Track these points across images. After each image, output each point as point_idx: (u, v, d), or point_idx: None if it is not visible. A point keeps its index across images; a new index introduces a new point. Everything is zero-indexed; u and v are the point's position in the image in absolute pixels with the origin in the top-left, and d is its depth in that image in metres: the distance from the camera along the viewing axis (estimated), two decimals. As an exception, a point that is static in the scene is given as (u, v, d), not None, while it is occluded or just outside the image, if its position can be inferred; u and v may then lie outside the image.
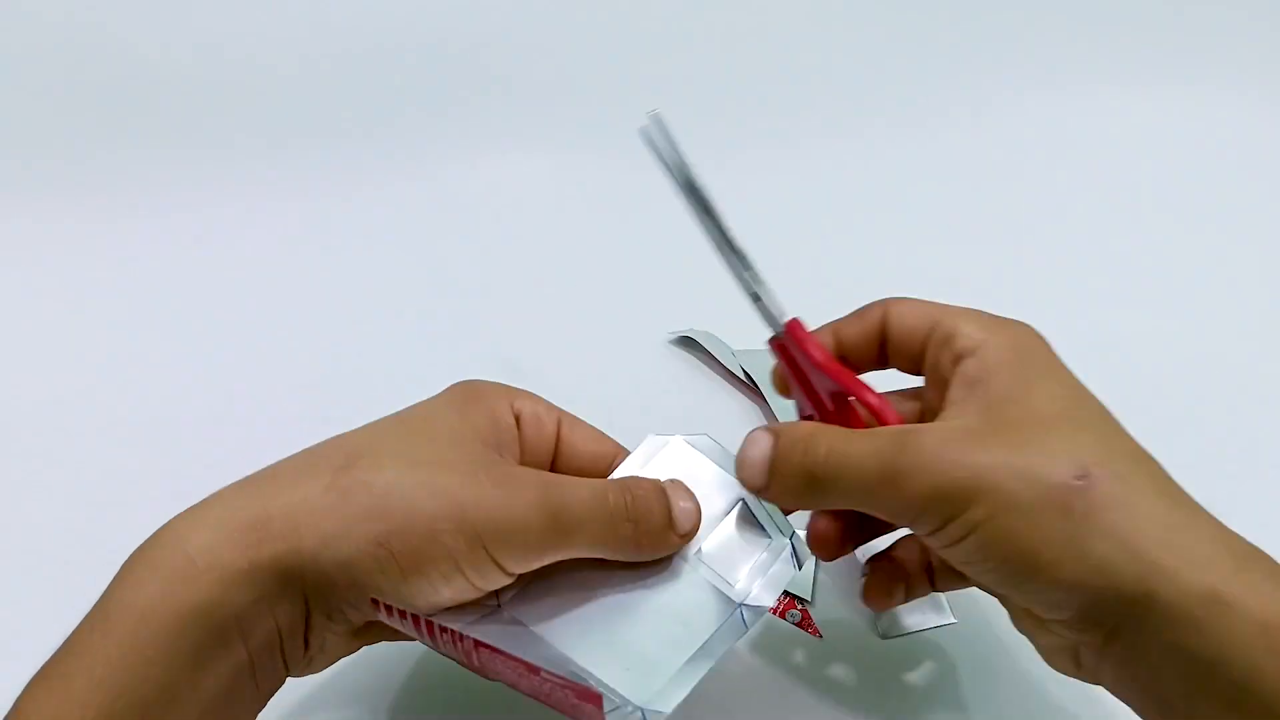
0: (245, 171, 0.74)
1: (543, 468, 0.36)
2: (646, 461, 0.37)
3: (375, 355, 0.60)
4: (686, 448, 0.38)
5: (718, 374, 0.59)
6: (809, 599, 0.45)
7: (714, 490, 0.37)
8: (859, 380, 0.35)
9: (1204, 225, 0.71)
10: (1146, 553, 0.29)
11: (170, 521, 0.32)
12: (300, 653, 0.33)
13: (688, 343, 0.60)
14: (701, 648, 0.34)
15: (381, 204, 0.73)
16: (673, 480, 0.36)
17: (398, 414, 0.35)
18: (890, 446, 0.31)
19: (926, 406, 0.36)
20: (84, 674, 0.29)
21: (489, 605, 0.33)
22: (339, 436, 0.34)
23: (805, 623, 0.44)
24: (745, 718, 0.41)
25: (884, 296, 0.37)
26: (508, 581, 0.33)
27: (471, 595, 0.32)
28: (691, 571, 0.35)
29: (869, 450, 0.31)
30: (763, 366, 0.57)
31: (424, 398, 0.36)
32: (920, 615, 0.42)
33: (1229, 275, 0.66)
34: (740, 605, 0.35)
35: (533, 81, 0.78)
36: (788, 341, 0.36)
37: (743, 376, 0.57)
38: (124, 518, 0.51)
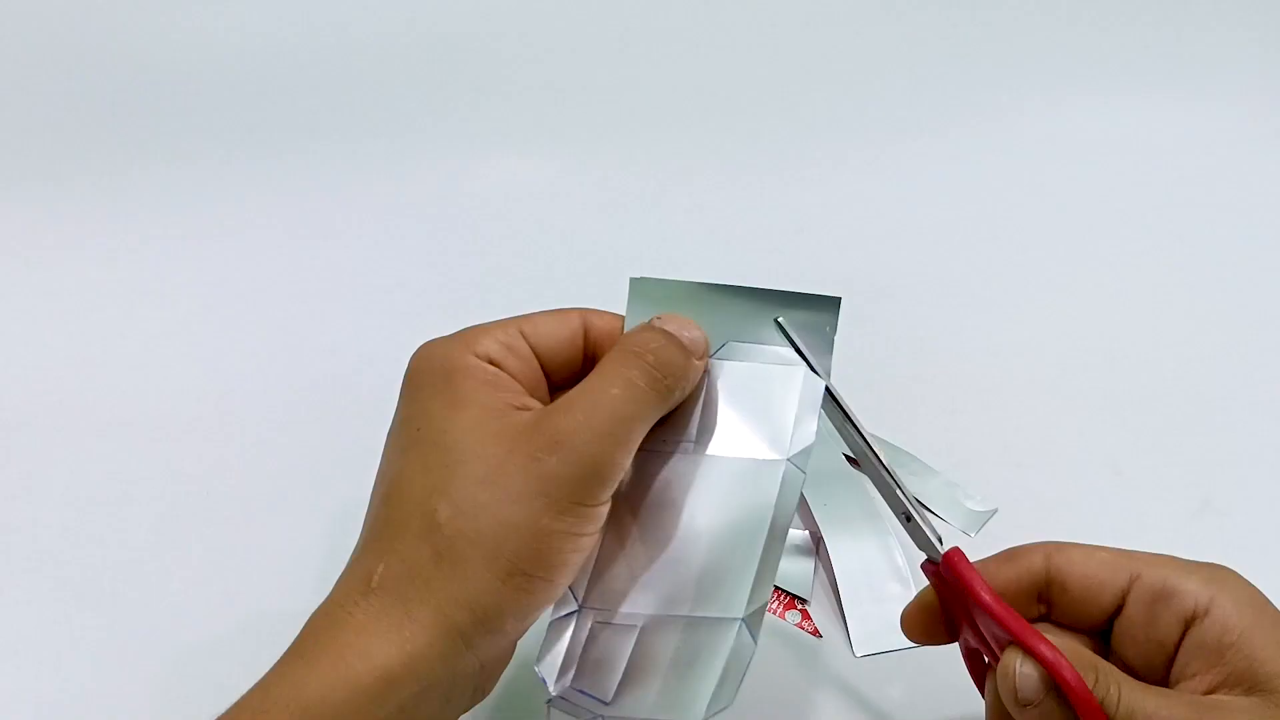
0: (244, 171, 0.74)
1: (539, 385, 0.36)
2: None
3: (374, 354, 0.60)
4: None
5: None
6: (809, 599, 0.45)
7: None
8: (1029, 626, 0.32)
9: (1201, 232, 0.71)
10: None
11: (315, 623, 0.32)
12: (468, 698, 0.34)
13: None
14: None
15: (380, 204, 0.73)
16: (659, 316, 0.36)
17: (409, 437, 0.34)
18: (1194, 714, 0.30)
19: (1118, 662, 0.34)
20: None
21: None
22: (390, 490, 0.33)
23: (805, 622, 0.45)
24: (745, 717, 0.41)
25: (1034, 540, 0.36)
26: (608, 509, 0.33)
27: (597, 538, 0.33)
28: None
29: (1166, 712, 0.30)
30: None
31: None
32: (896, 635, 0.42)
33: (1228, 282, 0.66)
34: (786, 460, 0.35)
35: (532, 82, 0.78)
36: (945, 572, 0.34)
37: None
38: (124, 518, 0.51)
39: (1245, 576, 0.32)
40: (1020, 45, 0.82)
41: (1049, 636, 0.32)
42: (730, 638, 0.33)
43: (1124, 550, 0.35)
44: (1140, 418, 0.55)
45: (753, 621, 0.33)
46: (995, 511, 0.49)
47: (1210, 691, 0.32)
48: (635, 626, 0.34)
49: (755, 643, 0.33)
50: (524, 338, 0.36)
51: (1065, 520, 0.48)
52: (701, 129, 0.79)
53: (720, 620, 0.33)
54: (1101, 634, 0.35)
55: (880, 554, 0.46)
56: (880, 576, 0.46)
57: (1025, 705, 0.31)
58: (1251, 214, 0.72)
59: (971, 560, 0.35)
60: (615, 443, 0.32)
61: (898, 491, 0.35)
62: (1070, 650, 0.31)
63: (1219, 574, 0.33)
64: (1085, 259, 0.68)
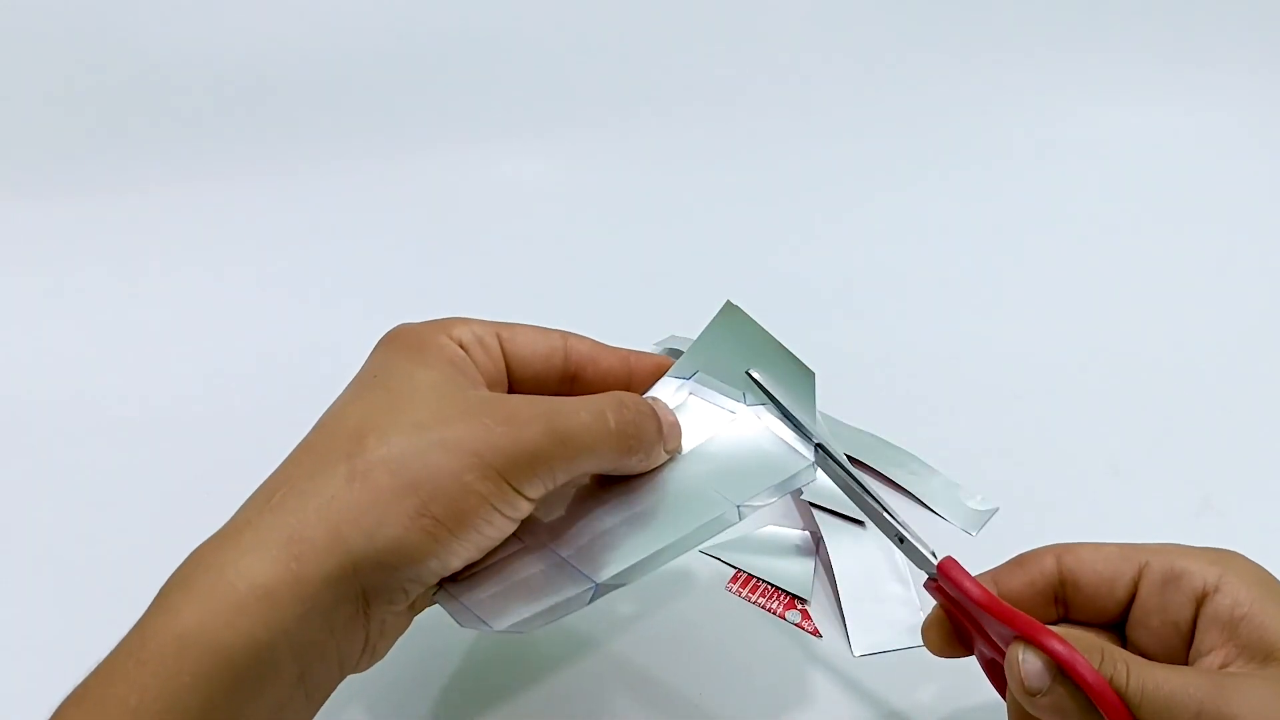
0: (244, 171, 0.74)
1: (500, 384, 0.37)
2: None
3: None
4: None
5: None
6: (809, 599, 0.45)
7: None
8: (1035, 622, 0.32)
9: (1201, 232, 0.71)
10: None
11: (202, 547, 0.32)
12: (358, 649, 0.33)
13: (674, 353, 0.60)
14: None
15: (381, 203, 0.73)
16: (657, 399, 0.38)
17: (362, 383, 0.35)
18: (1211, 687, 0.30)
19: (1137, 652, 0.35)
20: (117, 702, 0.28)
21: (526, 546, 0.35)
22: (328, 420, 0.34)
23: (805, 622, 0.45)
24: (745, 717, 0.41)
25: (1044, 545, 0.36)
26: (531, 509, 0.34)
27: (510, 529, 0.34)
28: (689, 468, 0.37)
29: (1184, 687, 0.30)
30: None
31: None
32: (895, 635, 0.42)
33: (1228, 281, 0.66)
34: (739, 506, 0.36)
35: (531, 82, 0.78)
36: (943, 583, 0.34)
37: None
38: (124, 518, 0.51)
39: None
40: (1020, 45, 0.82)
41: (1065, 633, 0.32)
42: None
43: (1130, 544, 0.35)
44: (1140, 418, 0.55)
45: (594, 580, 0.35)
46: (996, 510, 0.49)
47: (1225, 666, 0.32)
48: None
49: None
50: (499, 339, 0.37)
51: (1065, 520, 0.48)
52: (701, 129, 0.79)
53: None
54: (1118, 628, 0.35)
55: (880, 554, 0.46)
56: (880, 576, 0.46)
57: (1035, 694, 0.31)
58: (1251, 214, 0.72)
59: (982, 569, 0.36)
60: (560, 452, 0.33)
61: (887, 517, 0.36)
62: (1075, 637, 0.32)
63: (1224, 555, 0.34)
64: (1085, 259, 0.68)
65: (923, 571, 0.35)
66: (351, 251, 0.70)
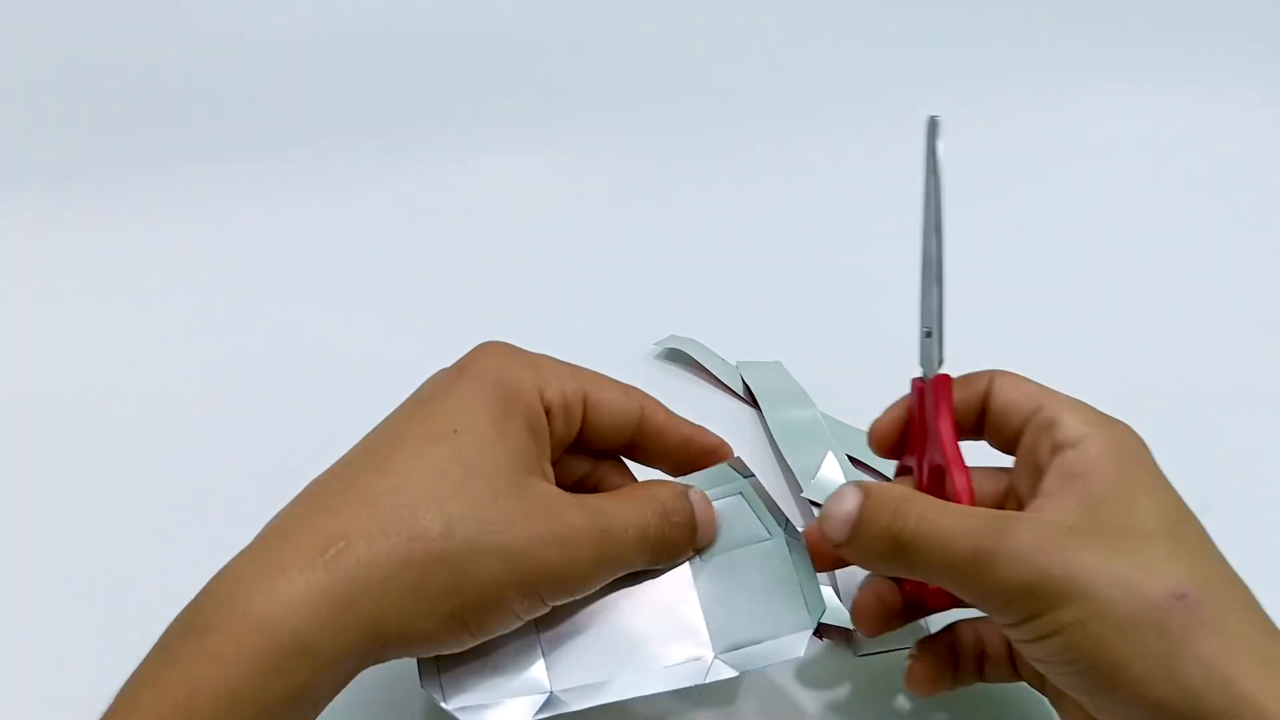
0: (244, 171, 0.74)
1: (565, 442, 0.37)
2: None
3: (374, 354, 0.60)
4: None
5: (709, 383, 0.58)
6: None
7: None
8: (959, 457, 0.34)
9: (1204, 226, 0.71)
10: (1239, 683, 0.28)
11: (241, 570, 0.31)
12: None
13: (675, 353, 0.60)
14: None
15: (381, 203, 0.73)
16: (698, 492, 0.37)
17: (439, 427, 0.34)
18: (986, 528, 0.31)
19: (1012, 490, 0.36)
20: None
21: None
22: (395, 469, 0.33)
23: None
24: (745, 717, 0.41)
25: (987, 367, 0.37)
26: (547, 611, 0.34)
27: (518, 624, 0.34)
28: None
29: (962, 527, 0.31)
30: (763, 379, 0.57)
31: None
32: (895, 635, 0.42)
33: (1228, 281, 0.66)
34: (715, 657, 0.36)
35: (531, 83, 0.78)
36: (927, 391, 0.35)
37: (742, 388, 0.57)
38: (124, 518, 0.51)
39: (1229, 560, 0.32)
40: (1020, 42, 0.82)
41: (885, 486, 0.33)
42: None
43: (1050, 388, 0.35)
44: (1140, 418, 0.55)
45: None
46: (995, 511, 0.49)
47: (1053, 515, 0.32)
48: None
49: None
50: (585, 402, 0.37)
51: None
52: (701, 128, 0.79)
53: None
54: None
55: None
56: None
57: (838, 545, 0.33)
58: (1252, 213, 0.72)
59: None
60: (604, 573, 0.35)
61: (931, 306, 0.35)
62: (884, 488, 0.32)
63: (1110, 422, 0.34)
64: (1084, 258, 0.68)
65: (922, 368, 0.36)
66: (352, 251, 0.70)
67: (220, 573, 0.31)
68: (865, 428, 0.53)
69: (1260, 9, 0.84)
